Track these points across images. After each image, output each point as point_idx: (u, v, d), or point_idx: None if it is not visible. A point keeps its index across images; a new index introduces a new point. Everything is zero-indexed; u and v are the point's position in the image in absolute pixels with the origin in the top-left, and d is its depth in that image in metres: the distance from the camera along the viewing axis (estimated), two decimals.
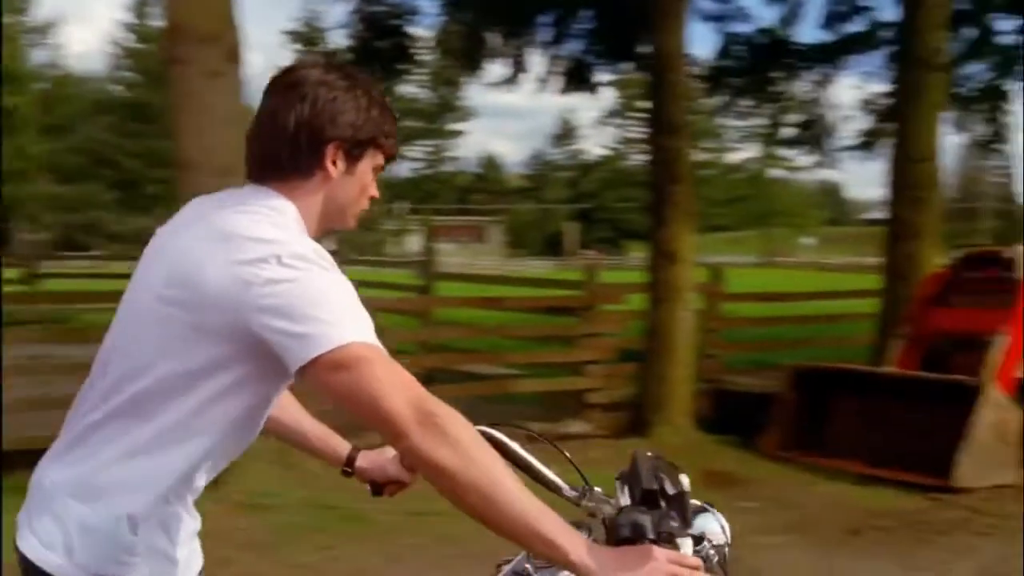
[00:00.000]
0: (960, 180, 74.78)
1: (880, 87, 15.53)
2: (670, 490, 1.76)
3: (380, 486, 2.26)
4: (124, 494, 1.78)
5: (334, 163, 1.89)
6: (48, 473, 1.85)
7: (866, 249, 27.16)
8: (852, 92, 17.36)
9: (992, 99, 15.26)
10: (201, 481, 1.88)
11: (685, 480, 1.81)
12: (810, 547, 6.18)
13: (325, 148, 1.87)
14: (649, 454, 1.88)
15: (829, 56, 14.83)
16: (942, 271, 9.36)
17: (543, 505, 1.60)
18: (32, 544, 1.80)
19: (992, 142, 17.42)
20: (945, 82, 10.69)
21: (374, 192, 1.98)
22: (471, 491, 1.58)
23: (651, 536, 1.65)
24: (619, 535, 1.68)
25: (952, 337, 8.80)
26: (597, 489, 1.94)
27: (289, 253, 1.70)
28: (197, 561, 1.98)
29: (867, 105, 16.36)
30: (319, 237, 1.89)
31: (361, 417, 1.65)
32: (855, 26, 14.11)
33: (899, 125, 10.49)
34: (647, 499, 1.76)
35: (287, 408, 2.24)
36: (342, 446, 2.30)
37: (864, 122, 16.47)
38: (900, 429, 8.04)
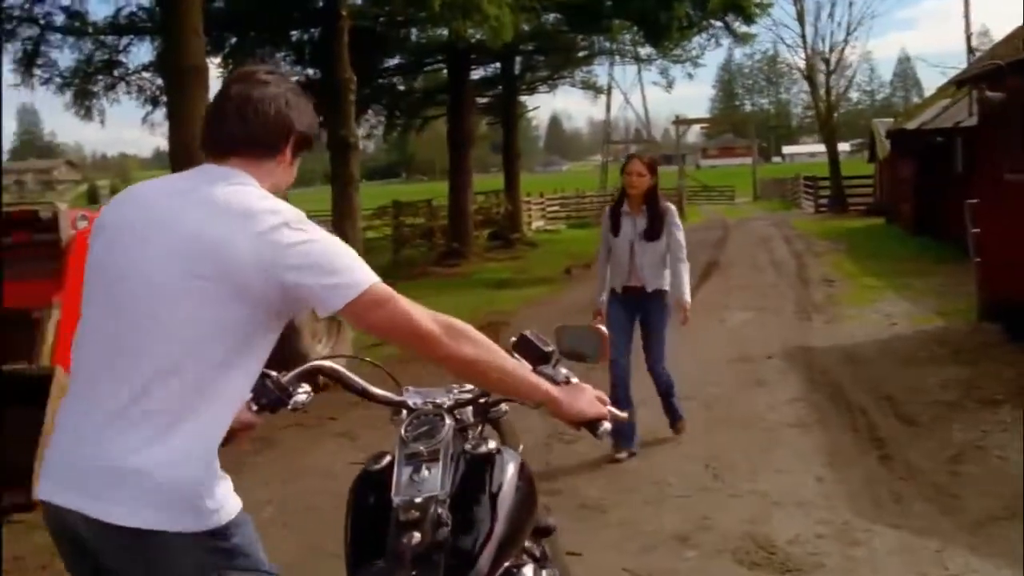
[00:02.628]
0: None
1: None
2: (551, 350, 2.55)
3: (231, 433, 2.25)
4: (199, 446, 2.11)
5: (292, 152, 2.34)
6: (119, 455, 2.06)
7: None
8: None
9: None
10: None
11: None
12: None
13: (290, 137, 2.32)
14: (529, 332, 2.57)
15: None
16: None
17: (526, 367, 2.37)
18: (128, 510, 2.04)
19: None
20: None
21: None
22: (494, 369, 2.23)
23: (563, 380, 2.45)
24: (556, 381, 2.41)
25: None
26: None
27: (293, 218, 2.11)
28: None
29: None
30: None
31: (398, 339, 2.21)
32: None
33: None
34: (546, 358, 2.50)
35: None
36: None
37: None
38: None
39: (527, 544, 2.66)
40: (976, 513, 5.28)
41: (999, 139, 10.30)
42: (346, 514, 2.45)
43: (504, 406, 2.68)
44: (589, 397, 2.40)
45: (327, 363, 2.66)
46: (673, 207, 6.86)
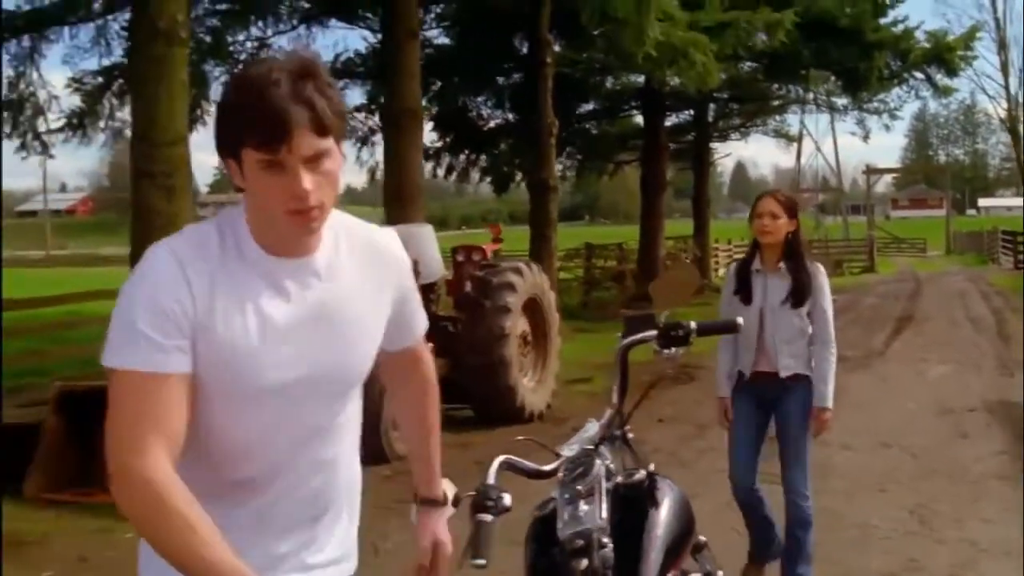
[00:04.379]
0: None
1: (90, 65, 14.31)
2: None
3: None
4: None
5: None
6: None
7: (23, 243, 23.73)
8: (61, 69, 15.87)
9: None
10: None
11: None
12: None
13: None
14: None
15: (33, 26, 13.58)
16: None
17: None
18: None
19: None
20: (187, 57, 9.19)
21: None
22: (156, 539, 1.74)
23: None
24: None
25: None
26: None
27: None
28: None
29: (76, 83, 15.17)
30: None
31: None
32: None
33: (138, 105, 9.10)
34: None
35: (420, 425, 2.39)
36: (428, 484, 2.38)
37: (74, 102, 15.24)
38: None
39: (688, 562, 3.02)
40: None
41: None
42: (524, 556, 2.76)
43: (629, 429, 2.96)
44: None
45: (512, 457, 2.59)
46: (822, 268, 5.05)
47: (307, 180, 1.73)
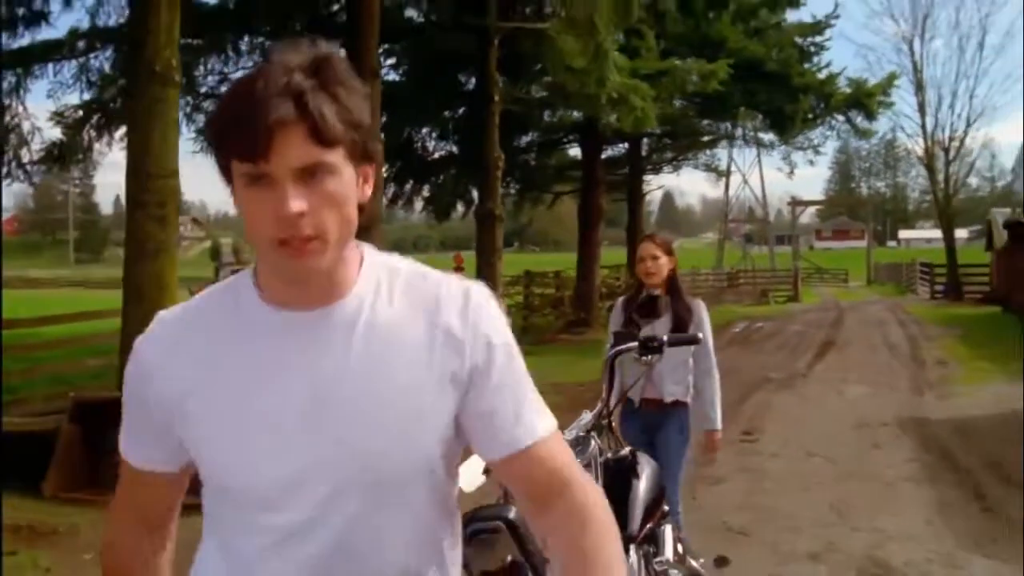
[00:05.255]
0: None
1: (72, 99, 16.04)
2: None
3: None
4: None
5: None
6: None
7: None
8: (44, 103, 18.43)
9: None
10: None
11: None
12: None
13: None
14: None
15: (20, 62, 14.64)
16: None
17: None
18: None
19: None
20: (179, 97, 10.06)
21: None
22: None
23: None
24: None
25: None
26: None
27: None
28: None
29: (58, 117, 16.11)
30: None
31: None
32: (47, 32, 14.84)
33: (134, 141, 9.75)
34: None
35: None
36: None
37: (55, 135, 16.32)
38: None
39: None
40: None
41: None
42: None
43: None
44: None
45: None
46: (702, 303, 5.50)
47: (295, 199, 1.35)
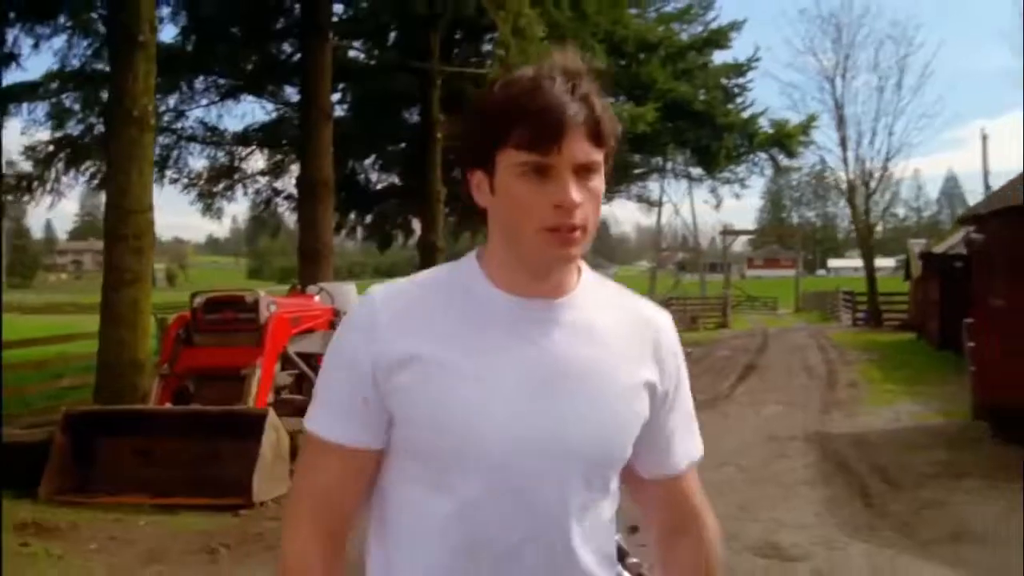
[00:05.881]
0: None
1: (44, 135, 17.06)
2: None
3: None
4: None
5: None
6: None
7: None
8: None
9: None
10: None
11: None
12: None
13: None
14: None
15: None
16: (185, 314, 9.92)
17: None
18: None
19: None
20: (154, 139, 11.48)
21: None
22: None
23: None
24: None
25: (199, 373, 9.56)
26: None
27: None
28: None
29: (30, 151, 17.58)
30: None
31: None
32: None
33: (113, 179, 10.87)
34: None
35: None
36: None
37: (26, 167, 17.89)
38: (183, 459, 8.55)
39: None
40: (925, 538, 7.56)
41: (984, 271, 12.70)
42: None
43: None
44: None
45: None
46: None
47: (575, 190, 1.48)
